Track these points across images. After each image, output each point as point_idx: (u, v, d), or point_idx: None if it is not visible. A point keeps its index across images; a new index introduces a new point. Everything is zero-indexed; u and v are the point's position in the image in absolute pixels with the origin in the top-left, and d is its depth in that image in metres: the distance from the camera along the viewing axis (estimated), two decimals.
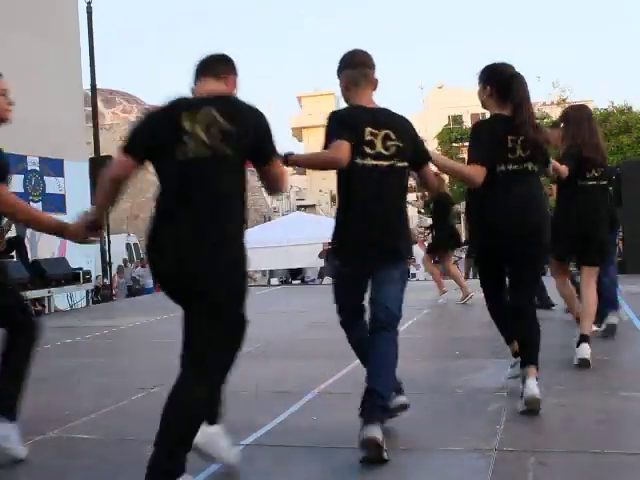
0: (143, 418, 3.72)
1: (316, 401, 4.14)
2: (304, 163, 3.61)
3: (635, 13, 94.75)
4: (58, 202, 12.96)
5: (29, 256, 11.00)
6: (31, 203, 11.83)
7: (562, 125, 5.16)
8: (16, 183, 11.38)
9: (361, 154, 3.26)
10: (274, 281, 20.62)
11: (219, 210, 2.68)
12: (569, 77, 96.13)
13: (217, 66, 2.89)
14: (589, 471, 2.87)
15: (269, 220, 32.06)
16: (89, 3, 14.84)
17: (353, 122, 3.30)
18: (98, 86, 15.77)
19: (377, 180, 3.29)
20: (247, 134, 2.72)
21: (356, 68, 3.38)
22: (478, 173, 3.74)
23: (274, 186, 3.01)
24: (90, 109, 15.54)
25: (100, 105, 23.71)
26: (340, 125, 3.28)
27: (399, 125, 3.38)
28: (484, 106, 4.01)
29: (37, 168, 13.09)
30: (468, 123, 33.71)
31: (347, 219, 3.38)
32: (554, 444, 3.15)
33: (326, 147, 3.29)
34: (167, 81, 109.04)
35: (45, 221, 3.29)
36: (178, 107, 2.74)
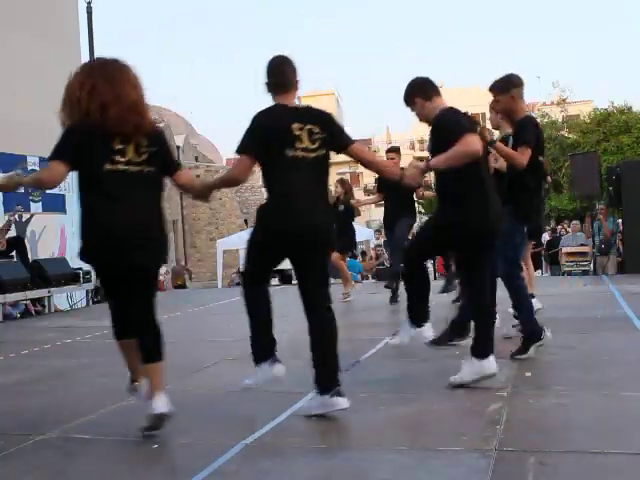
0: (143, 418, 3.72)
1: None
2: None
3: (635, 13, 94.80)
4: (58, 202, 12.91)
5: (29, 256, 10.99)
6: (31, 203, 11.85)
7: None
8: None
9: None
10: (274, 281, 20.59)
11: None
12: (569, 77, 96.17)
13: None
14: (589, 471, 2.87)
15: None
16: (89, 3, 14.85)
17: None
18: None
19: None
20: None
21: (520, 86, 4.85)
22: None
23: None
24: None
25: None
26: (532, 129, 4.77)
27: None
28: (496, 128, 5.65)
29: (37, 168, 12.96)
30: None
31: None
32: (554, 444, 3.15)
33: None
34: (167, 81, 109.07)
35: (389, 166, 4.53)
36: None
